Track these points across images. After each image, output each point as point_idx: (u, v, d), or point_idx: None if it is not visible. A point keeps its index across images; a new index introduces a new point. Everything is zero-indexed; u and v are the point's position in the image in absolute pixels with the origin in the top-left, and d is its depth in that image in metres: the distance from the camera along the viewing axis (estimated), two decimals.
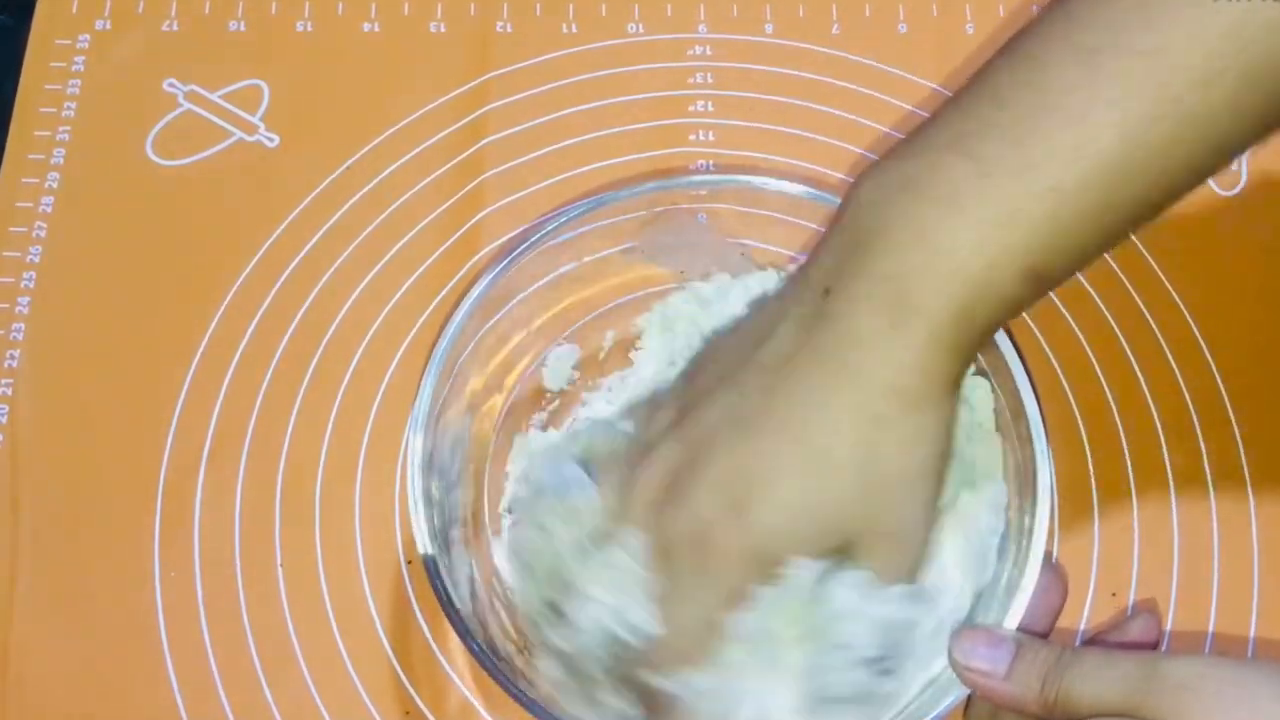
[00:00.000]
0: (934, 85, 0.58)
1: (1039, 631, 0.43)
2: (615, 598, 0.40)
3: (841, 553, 0.38)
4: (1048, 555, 0.42)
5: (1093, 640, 0.45)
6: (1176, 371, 0.52)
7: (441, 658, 0.47)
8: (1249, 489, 0.50)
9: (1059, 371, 0.52)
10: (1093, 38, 0.34)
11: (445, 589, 0.41)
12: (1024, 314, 0.52)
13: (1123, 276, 0.54)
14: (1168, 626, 0.48)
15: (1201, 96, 0.33)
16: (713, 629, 0.39)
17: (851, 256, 0.37)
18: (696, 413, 0.39)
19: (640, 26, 0.59)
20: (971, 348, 0.37)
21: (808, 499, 0.37)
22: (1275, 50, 0.33)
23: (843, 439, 0.37)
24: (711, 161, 0.56)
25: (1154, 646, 0.44)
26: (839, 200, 0.39)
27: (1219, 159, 0.36)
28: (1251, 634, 0.48)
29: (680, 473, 0.39)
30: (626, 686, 0.41)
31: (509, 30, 0.59)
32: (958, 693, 0.41)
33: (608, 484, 0.42)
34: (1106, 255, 0.54)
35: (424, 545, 0.42)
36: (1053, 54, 0.35)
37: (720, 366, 0.40)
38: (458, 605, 0.41)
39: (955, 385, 0.38)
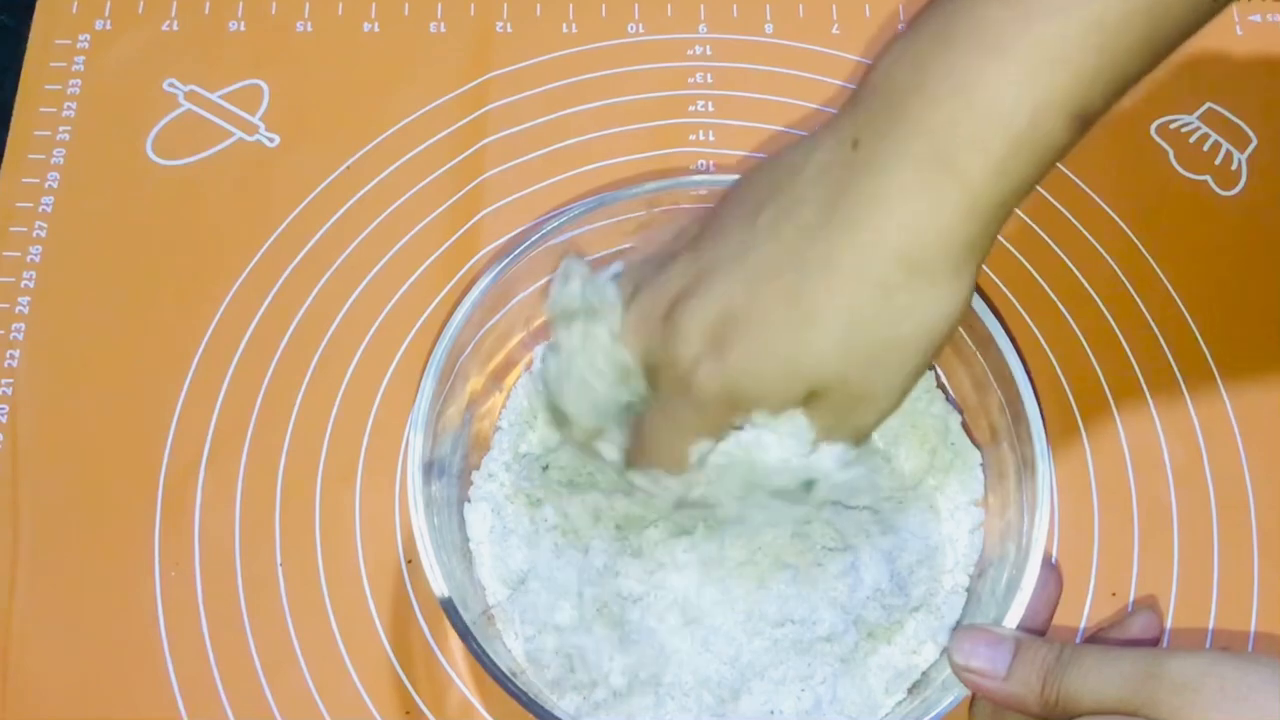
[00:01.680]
0: None
1: (1038, 626, 0.43)
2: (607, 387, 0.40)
3: (810, 400, 0.38)
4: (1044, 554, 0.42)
5: (1094, 637, 0.45)
6: (1176, 371, 0.52)
7: (441, 658, 0.47)
8: (1249, 488, 0.50)
9: (1059, 371, 0.52)
10: None
11: (477, 644, 0.41)
12: (1024, 315, 0.53)
13: (1123, 276, 0.54)
14: (1168, 623, 0.48)
15: None
16: (685, 449, 0.39)
17: (885, 110, 0.35)
18: (707, 243, 0.38)
19: (640, 26, 0.59)
20: (1003, 210, 0.35)
21: (787, 353, 0.36)
22: None
23: (837, 301, 0.35)
24: (711, 161, 0.56)
25: (1155, 643, 0.44)
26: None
27: None
28: (1251, 632, 0.48)
29: (678, 300, 0.38)
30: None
31: (509, 30, 0.59)
32: (958, 693, 0.41)
33: (624, 297, 0.41)
34: (1106, 256, 0.55)
35: (440, 590, 0.42)
36: None
37: (741, 202, 0.39)
38: (452, 595, 0.42)
39: (977, 255, 0.36)
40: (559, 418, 0.42)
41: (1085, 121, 0.34)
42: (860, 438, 0.39)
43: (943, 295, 0.35)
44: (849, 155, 0.36)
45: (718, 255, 0.38)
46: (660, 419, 0.39)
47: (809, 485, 0.39)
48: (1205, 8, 0.34)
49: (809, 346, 0.36)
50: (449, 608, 0.41)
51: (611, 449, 0.41)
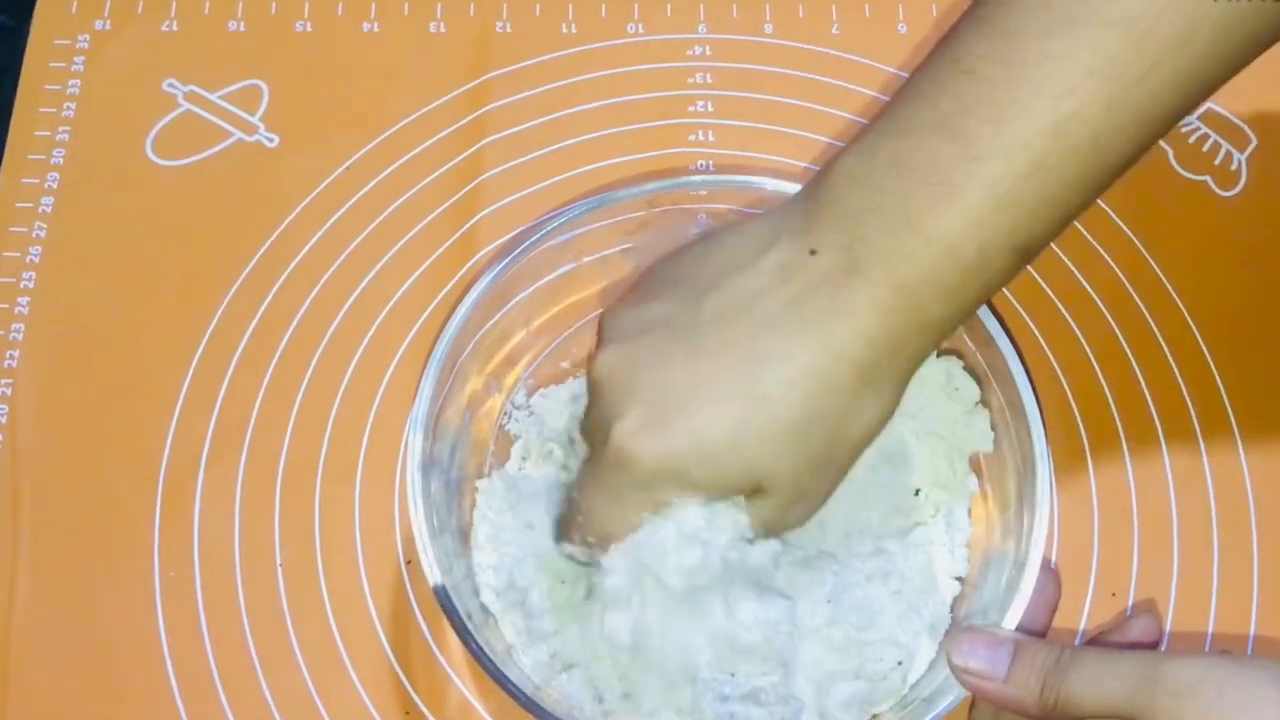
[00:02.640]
0: None
1: (1037, 629, 0.43)
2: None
3: (751, 493, 0.39)
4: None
5: (1093, 640, 0.45)
6: (1176, 371, 0.52)
7: (441, 658, 0.47)
8: (1248, 487, 0.50)
9: (1059, 371, 0.52)
10: (1064, 7, 0.34)
11: (460, 619, 0.41)
12: (1024, 315, 0.53)
13: (1122, 276, 0.54)
14: (1168, 626, 0.48)
15: (1179, 54, 0.33)
16: (623, 523, 0.40)
17: (843, 228, 0.37)
18: (646, 312, 0.39)
19: (640, 26, 0.59)
20: (948, 331, 0.38)
21: (737, 439, 0.37)
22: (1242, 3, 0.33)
23: (792, 394, 0.37)
24: (711, 161, 0.56)
25: (1155, 646, 0.44)
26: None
27: (1199, 101, 0.36)
28: (1251, 632, 0.48)
29: (614, 367, 0.39)
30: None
31: (509, 30, 0.59)
32: (957, 693, 0.41)
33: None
34: (1106, 256, 0.55)
35: (434, 578, 0.42)
36: (1026, 25, 0.34)
37: (676, 274, 0.40)
38: (452, 595, 0.42)
39: (914, 368, 0.38)
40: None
41: (1029, 254, 0.36)
42: (786, 532, 0.41)
43: (884, 403, 0.38)
44: (807, 260, 0.37)
45: (656, 332, 0.38)
46: (594, 491, 0.40)
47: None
48: (1143, 145, 0.36)
49: (763, 436, 0.37)
50: (447, 607, 0.41)
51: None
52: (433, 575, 0.42)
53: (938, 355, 0.48)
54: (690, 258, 0.40)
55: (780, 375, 0.37)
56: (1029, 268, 0.54)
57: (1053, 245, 0.54)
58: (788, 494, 0.39)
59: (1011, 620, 0.41)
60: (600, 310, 0.42)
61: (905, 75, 0.58)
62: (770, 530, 0.40)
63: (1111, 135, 0.34)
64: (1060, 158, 0.34)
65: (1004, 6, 0.35)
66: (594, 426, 0.39)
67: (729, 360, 0.37)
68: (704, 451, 0.37)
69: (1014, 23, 0.35)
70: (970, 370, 0.48)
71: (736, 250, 0.39)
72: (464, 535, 0.47)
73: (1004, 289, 0.53)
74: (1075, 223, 0.54)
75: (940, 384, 0.48)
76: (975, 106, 0.35)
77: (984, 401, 0.47)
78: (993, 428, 0.47)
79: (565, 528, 0.42)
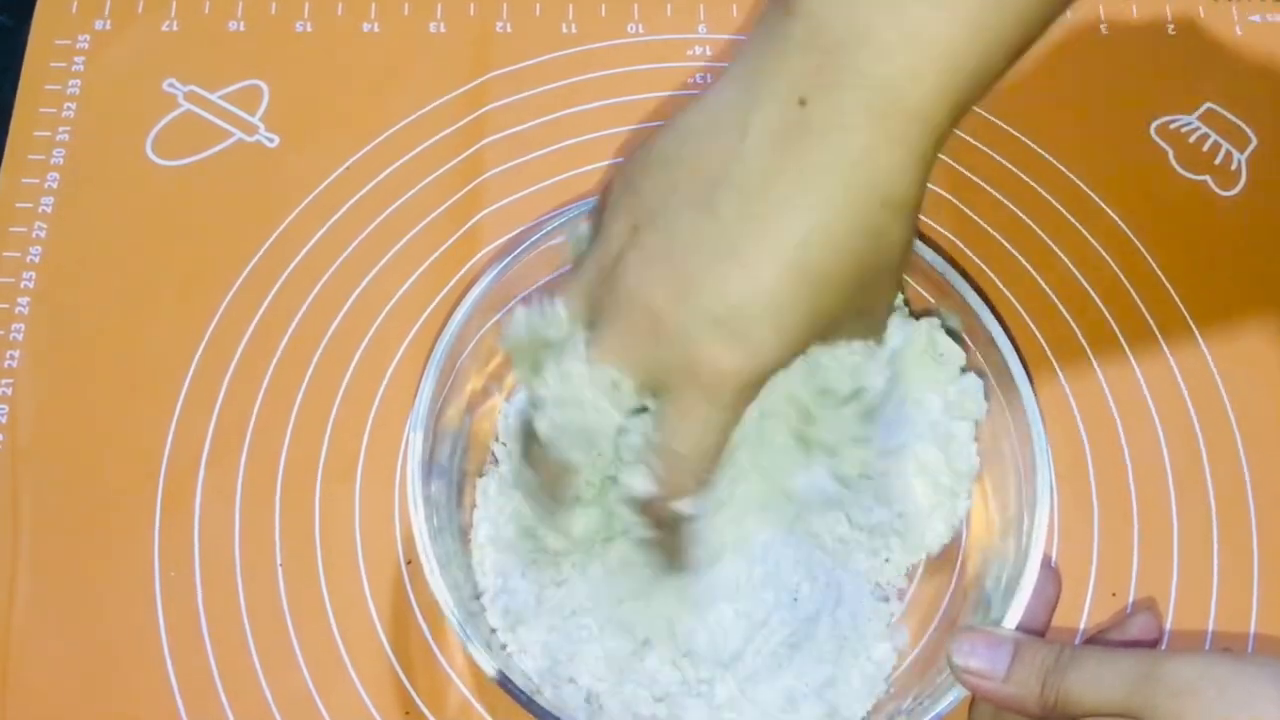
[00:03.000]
0: None
1: (1037, 628, 0.43)
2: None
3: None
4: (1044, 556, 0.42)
5: (1093, 639, 0.45)
6: (1176, 371, 0.52)
7: (441, 658, 0.47)
8: (1248, 487, 0.50)
9: (1059, 371, 0.52)
10: None
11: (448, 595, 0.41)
12: (1024, 315, 0.53)
13: (1123, 276, 0.54)
14: (1168, 625, 0.48)
15: None
16: (713, 443, 0.37)
17: (829, 62, 0.34)
18: (660, 234, 0.36)
19: (640, 26, 0.59)
20: (952, 127, 0.36)
21: (809, 319, 0.36)
22: None
23: (843, 259, 0.35)
24: None
25: (1155, 644, 0.44)
26: None
27: None
28: (1252, 631, 0.48)
29: (663, 305, 0.36)
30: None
31: (509, 30, 0.59)
32: (957, 693, 0.41)
33: (580, 314, 0.39)
34: (1106, 256, 0.54)
35: (450, 613, 0.41)
36: None
37: (676, 178, 0.37)
38: (452, 595, 0.41)
39: (929, 173, 0.36)
40: (558, 476, 0.40)
41: (1022, 51, 0.35)
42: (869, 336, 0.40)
43: (912, 221, 0.36)
44: (800, 115, 0.35)
45: (688, 252, 0.36)
46: (693, 432, 0.37)
47: (858, 394, 0.40)
48: None
49: (830, 304, 0.36)
50: (449, 609, 0.41)
51: (638, 482, 0.38)
52: (433, 577, 0.42)
53: (916, 317, 0.47)
54: (673, 153, 0.37)
55: (828, 248, 0.35)
56: (1029, 267, 0.54)
57: (1052, 245, 0.55)
58: (853, 324, 0.39)
59: (1012, 620, 0.41)
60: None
61: None
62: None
63: None
64: None
65: None
66: (664, 371, 0.37)
67: (775, 253, 0.35)
68: (785, 344, 0.36)
69: None
70: (953, 332, 0.47)
71: (719, 128, 0.36)
72: (464, 535, 0.47)
73: (1005, 290, 0.54)
74: (1075, 222, 0.55)
75: (921, 348, 0.47)
76: None
77: (973, 367, 0.47)
78: (986, 397, 0.47)
79: (670, 488, 0.38)
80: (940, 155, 0.36)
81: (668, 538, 0.40)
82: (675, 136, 0.37)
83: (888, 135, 0.34)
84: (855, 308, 0.37)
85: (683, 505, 0.38)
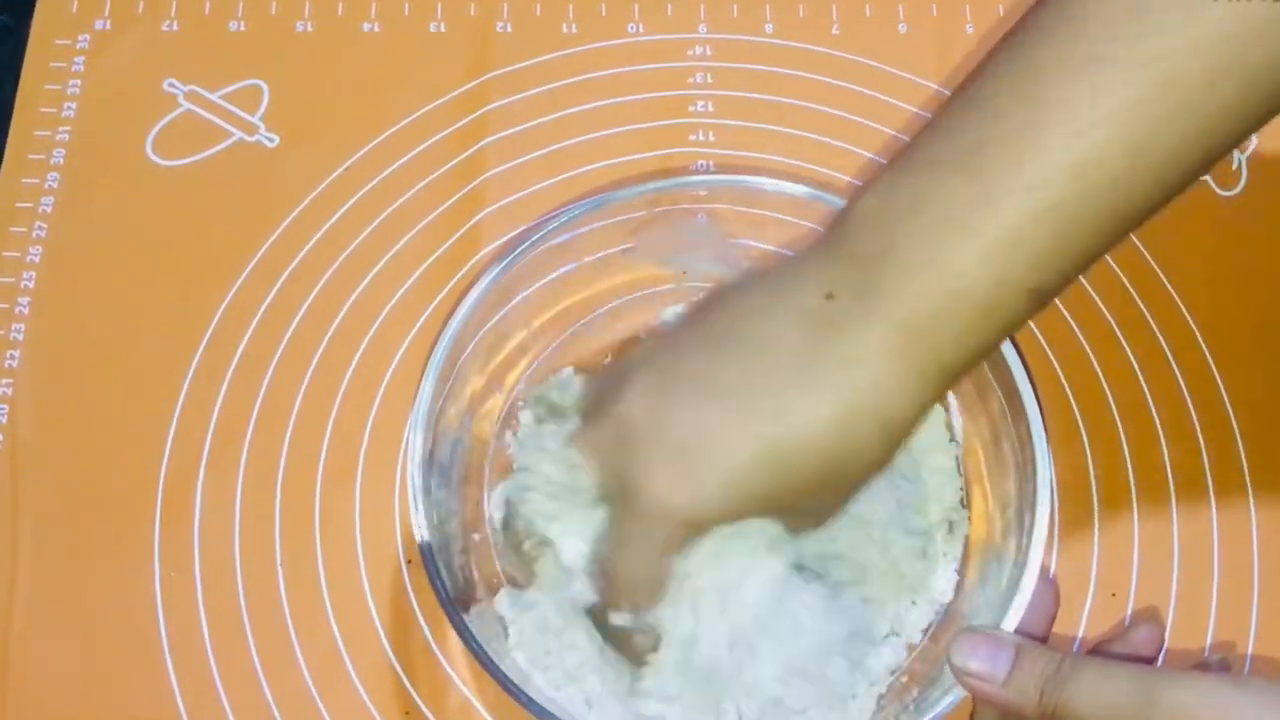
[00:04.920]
0: (935, 85, 0.58)
1: (1036, 639, 0.43)
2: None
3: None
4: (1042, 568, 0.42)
5: (1095, 649, 0.45)
6: (1176, 371, 0.52)
7: (441, 658, 0.47)
8: (1249, 488, 0.50)
9: (1059, 371, 0.52)
10: (1090, 46, 0.34)
11: (444, 584, 0.41)
12: None
13: (1122, 276, 0.54)
14: (1168, 625, 0.48)
15: (1203, 102, 0.33)
16: (656, 573, 0.40)
17: (859, 270, 0.36)
18: (669, 361, 0.39)
19: (640, 26, 0.59)
20: (959, 376, 0.37)
21: (758, 492, 0.38)
22: (1275, 49, 0.33)
23: (813, 457, 0.37)
24: (711, 161, 0.56)
25: (1156, 656, 0.44)
26: (839, 200, 0.39)
27: (1218, 158, 0.35)
28: (1251, 631, 0.48)
29: (637, 419, 0.39)
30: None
31: (509, 30, 0.59)
32: (957, 693, 0.41)
33: (585, 406, 0.43)
34: (1106, 256, 0.54)
35: (420, 533, 0.42)
36: (1050, 62, 0.34)
37: (699, 332, 0.40)
38: (452, 595, 0.42)
39: (935, 402, 0.38)
40: (525, 548, 0.44)
41: (1043, 296, 0.36)
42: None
43: (892, 444, 0.38)
44: (824, 305, 0.37)
45: (679, 381, 0.39)
46: (631, 553, 0.40)
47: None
48: (1165, 192, 0.35)
49: (783, 488, 0.38)
50: (449, 608, 0.41)
51: (578, 589, 0.42)
52: (434, 577, 0.42)
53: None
54: (712, 303, 0.40)
55: (802, 433, 0.37)
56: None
57: None
58: (798, 521, 0.41)
59: (1011, 621, 0.41)
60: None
61: (906, 76, 0.58)
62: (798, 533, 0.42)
63: (1132, 180, 0.34)
64: (1078, 199, 0.34)
65: (1029, 44, 0.35)
66: (617, 477, 0.39)
67: (750, 414, 0.37)
68: (728, 503, 0.38)
69: (1038, 61, 0.34)
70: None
71: (756, 296, 0.39)
72: (464, 535, 0.47)
73: None
74: None
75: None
76: (994, 144, 0.34)
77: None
78: (987, 396, 0.47)
79: (611, 600, 0.42)
80: None
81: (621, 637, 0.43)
82: (723, 293, 0.40)
83: (893, 349, 0.36)
84: (806, 504, 0.39)
85: (618, 618, 0.41)
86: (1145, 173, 0.34)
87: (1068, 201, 0.34)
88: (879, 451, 0.37)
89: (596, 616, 0.42)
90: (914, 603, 0.46)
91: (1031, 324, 0.53)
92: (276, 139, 0.57)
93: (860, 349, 0.36)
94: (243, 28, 0.59)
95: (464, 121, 0.57)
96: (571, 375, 0.47)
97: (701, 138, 0.57)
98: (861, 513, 0.45)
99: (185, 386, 0.51)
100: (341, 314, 0.53)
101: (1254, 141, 0.57)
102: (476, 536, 0.47)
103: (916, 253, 0.35)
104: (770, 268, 0.40)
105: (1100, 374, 0.52)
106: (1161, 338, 0.53)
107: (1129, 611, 0.48)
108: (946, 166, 0.35)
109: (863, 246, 0.37)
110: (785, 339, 0.37)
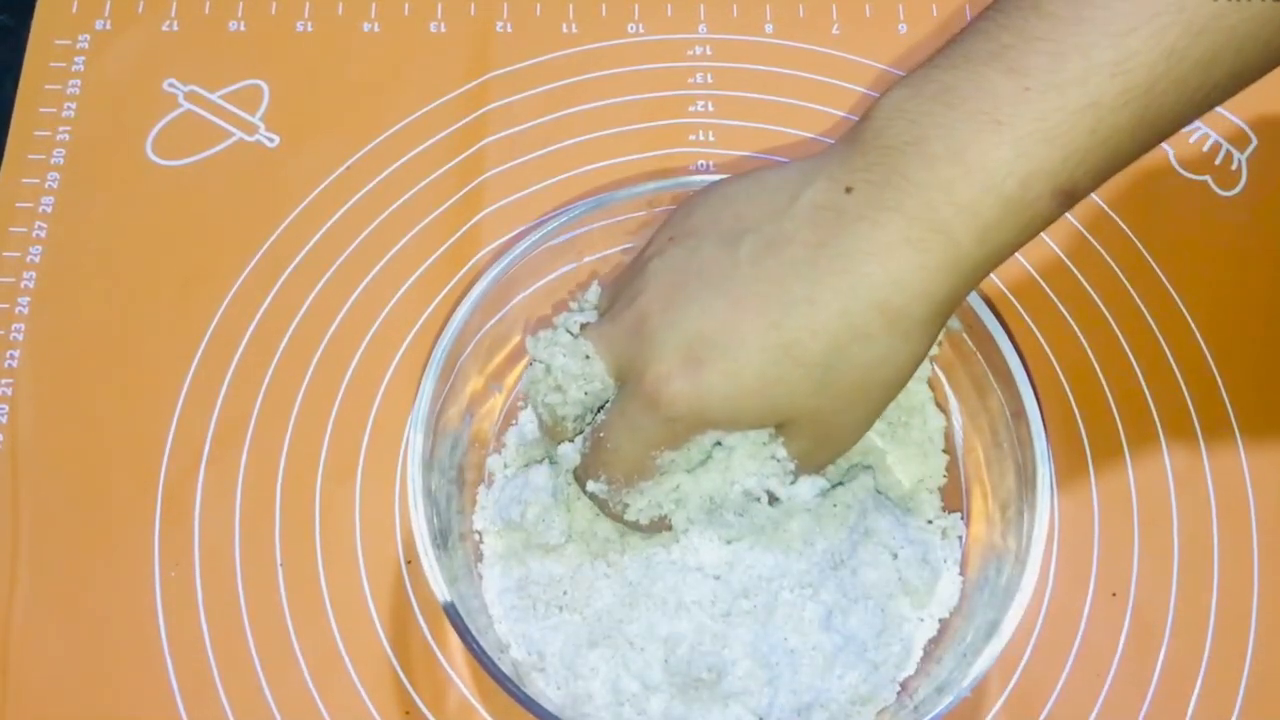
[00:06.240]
0: None
1: None
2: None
3: (775, 428, 0.40)
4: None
5: None
6: (1176, 371, 0.52)
7: (441, 658, 0.47)
8: (1249, 488, 0.50)
9: (1059, 371, 0.52)
10: None
11: (475, 641, 0.41)
12: (1024, 315, 0.53)
13: (1123, 277, 0.54)
14: (1168, 625, 0.48)
15: (1248, 11, 0.33)
16: (645, 458, 0.40)
17: (881, 161, 0.36)
18: (682, 260, 0.39)
19: (640, 26, 0.59)
20: (981, 273, 0.37)
21: (764, 383, 0.37)
22: None
23: (818, 341, 0.37)
24: (711, 161, 0.56)
25: None
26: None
27: (1259, 72, 0.36)
28: (1251, 631, 0.48)
29: (650, 313, 0.39)
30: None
31: (509, 30, 0.59)
32: (957, 693, 0.41)
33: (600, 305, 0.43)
34: (1106, 256, 0.55)
35: (442, 594, 0.42)
36: None
37: (718, 221, 0.40)
38: (466, 620, 0.41)
39: (946, 312, 0.37)
40: (549, 424, 0.44)
41: (1070, 198, 0.36)
42: (820, 469, 0.42)
43: (913, 348, 0.37)
44: (841, 199, 0.37)
45: (694, 275, 0.39)
46: (621, 428, 0.40)
47: (773, 503, 0.42)
48: (1195, 105, 0.35)
49: (788, 380, 0.37)
50: (450, 610, 0.41)
51: (567, 448, 0.43)
52: (434, 578, 0.42)
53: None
54: (732, 194, 0.40)
55: (807, 323, 0.36)
56: (1029, 268, 0.54)
57: (1053, 245, 0.55)
58: (811, 434, 0.39)
59: (1012, 620, 0.41)
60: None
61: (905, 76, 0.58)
62: (804, 466, 0.41)
63: (1168, 84, 0.34)
64: (1115, 98, 0.34)
65: None
66: (628, 365, 0.39)
67: (761, 306, 0.37)
68: (732, 395, 0.38)
69: None
70: (954, 331, 0.47)
71: (777, 190, 0.39)
72: (464, 534, 0.47)
73: (1005, 289, 0.54)
74: (1076, 222, 0.55)
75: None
76: (1035, 40, 0.34)
77: (974, 366, 0.47)
78: (987, 396, 0.47)
79: (590, 467, 0.42)
80: None
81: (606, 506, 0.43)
82: (743, 183, 0.40)
83: (908, 239, 0.36)
84: (816, 415, 0.38)
85: (594, 487, 0.42)
86: (1182, 78, 0.34)
87: (1105, 100, 0.34)
88: (888, 347, 0.37)
89: (578, 479, 0.43)
90: (922, 620, 0.46)
91: (1031, 324, 0.53)
92: (277, 139, 0.57)
93: (873, 242, 0.36)
94: (243, 28, 0.59)
95: (464, 121, 0.57)
96: (597, 288, 0.45)
97: (701, 138, 0.57)
98: (867, 526, 0.45)
99: (185, 386, 0.51)
100: (342, 314, 0.53)
101: (1254, 141, 0.57)
102: (477, 536, 0.47)
103: (946, 143, 0.35)
104: (791, 162, 0.39)
105: (1100, 374, 0.52)
106: (1161, 338, 0.53)
107: (1129, 611, 0.48)
108: (983, 60, 0.35)
109: (889, 139, 0.36)
110: (801, 235, 0.37)
